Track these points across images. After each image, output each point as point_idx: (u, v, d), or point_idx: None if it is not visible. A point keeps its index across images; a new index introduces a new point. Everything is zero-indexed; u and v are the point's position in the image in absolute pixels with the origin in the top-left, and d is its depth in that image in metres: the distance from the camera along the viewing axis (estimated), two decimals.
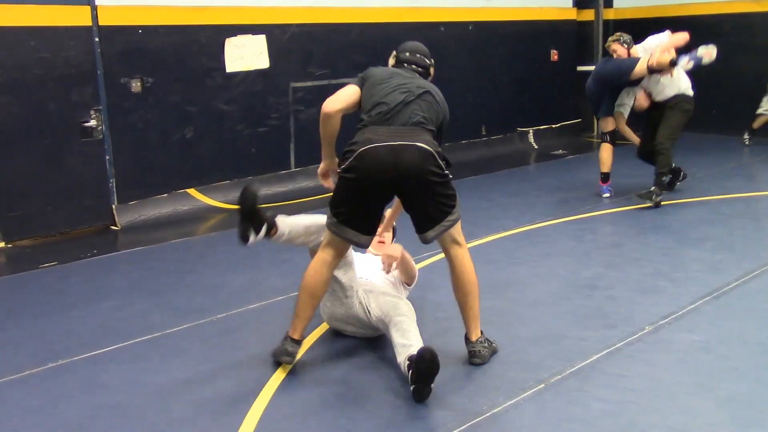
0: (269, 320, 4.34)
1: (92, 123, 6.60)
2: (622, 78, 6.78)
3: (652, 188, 6.69)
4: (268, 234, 3.72)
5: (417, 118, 3.45)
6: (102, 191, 6.76)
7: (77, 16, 6.46)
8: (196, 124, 7.32)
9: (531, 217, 6.54)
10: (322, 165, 3.81)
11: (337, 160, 3.69)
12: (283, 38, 7.83)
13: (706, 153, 9.43)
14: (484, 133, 10.13)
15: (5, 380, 3.67)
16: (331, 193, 3.61)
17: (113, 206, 6.83)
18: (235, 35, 7.46)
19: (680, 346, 3.81)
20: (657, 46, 6.70)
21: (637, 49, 6.92)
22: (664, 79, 6.77)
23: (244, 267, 5.44)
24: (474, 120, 9.92)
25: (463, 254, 3.60)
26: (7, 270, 5.70)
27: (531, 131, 10.63)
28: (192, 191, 7.34)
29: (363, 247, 3.68)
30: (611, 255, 5.41)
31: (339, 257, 3.63)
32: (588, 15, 11.59)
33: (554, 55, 10.90)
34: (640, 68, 6.52)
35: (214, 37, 7.35)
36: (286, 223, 3.80)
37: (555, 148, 10.28)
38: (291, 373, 3.63)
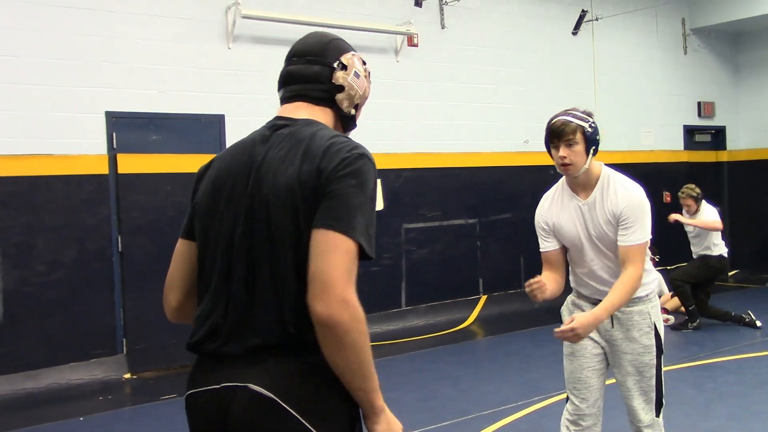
0: None
1: None
2: None
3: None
4: None
5: (263, 327, 1.78)
6: None
7: None
8: None
9: None
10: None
11: None
12: (397, 182, 8.19)
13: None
14: None
15: None
16: None
17: None
18: None
19: None
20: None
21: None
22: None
23: None
24: None
25: None
26: (130, 401, 6.00)
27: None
28: None
29: None
30: (734, 406, 5.13)
31: None
32: (699, 157, 11.51)
33: (667, 197, 10.79)
34: None
35: None
36: None
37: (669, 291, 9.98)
38: None
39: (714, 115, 11.47)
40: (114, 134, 6.60)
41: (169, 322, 7.12)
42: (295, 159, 1.79)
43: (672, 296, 8.20)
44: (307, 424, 1.72)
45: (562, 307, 3.44)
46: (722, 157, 11.80)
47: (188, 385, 1.90)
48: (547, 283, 3.02)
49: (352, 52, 2.00)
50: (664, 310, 7.95)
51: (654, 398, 3.23)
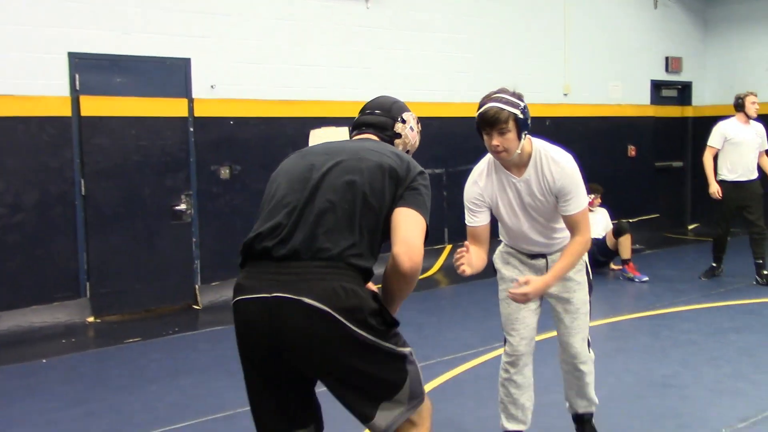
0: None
1: (182, 207, 6.99)
2: None
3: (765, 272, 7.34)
4: None
5: (318, 242, 2.22)
6: (187, 272, 7.08)
7: (175, 108, 6.95)
8: None
9: (606, 311, 6.47)
10: None
11: None
12: None
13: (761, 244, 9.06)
14: None
15: None
16: None
17: (196, 286, 7.12)
18: (320, 127, 7.83)
19: None
20: None
21: None
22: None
23: None
24: None
25: None
26: (94, 344, 6.00)
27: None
28: None
29: None
30: (688, 353, 5.30)
31: None
32: (665, 111, 11.61)
33: (632, 151, 10.92)
34: None
35: (300, 128, 7.74)
36: None
37: (632, 243, 10.14)
38: None
39: (681, 70, 11.54)
40: (77, 76, 6.45)
41: (133, 266, 7.07)
42: (386, 152, 2.41)
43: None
44: (357, 330, 2.17)
45: (494, 256, 3.61)
46: (687, 112, 11.92)
47: (236, 293, 2.28)
48: (472, 257, 3.07)
49: (410, 112, 2.69)
50: (630, 266, 7.95)
51: (587, 335, 3.55)
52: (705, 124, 11.71)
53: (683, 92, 11.85)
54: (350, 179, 2.29)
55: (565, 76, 9.99)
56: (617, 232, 7.92)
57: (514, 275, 3.45)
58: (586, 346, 3.54)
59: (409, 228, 2.26)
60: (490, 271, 3.55)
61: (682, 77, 11.62)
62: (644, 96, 11.15)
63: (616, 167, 10.63)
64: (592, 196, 8.05)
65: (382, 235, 2.33)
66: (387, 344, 2.26)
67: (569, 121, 10.02)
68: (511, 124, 3.06)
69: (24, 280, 6.24)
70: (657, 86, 11.35)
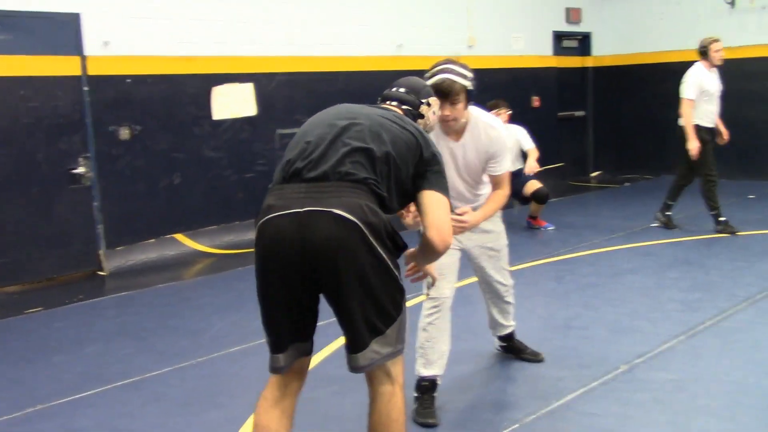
0: (249, 363, 4.40)
1: (80, 170, 6.72)
2: None
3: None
4: None
5: (345, 167, 2.42)
6: (89, 237, 6.84)
7: (67, 67, 6.62)
8: (183, 170, 7.44)
9: (512, 258, 6.61)
10: None
11: None
12: (269, 86, 8.00)
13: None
14: None
15: None
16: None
17: (100, 252, 6.90)
18: (223, 84, 7.63)
19: (654, 385, 3.87)
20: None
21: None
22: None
23: (228, 311, 5.50)
24: None
25: (391, 395, 2.54)
26: None
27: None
28: (179, 236, 7.43)
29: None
30: (589, 296, 5.51)
31: (286, 386, 2.59)
32: (567, 62, 11.86)
33: (535, 102, 11.13)
34: None
35: (202, 85, 7.52)
36: None
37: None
38: None
39: (581, 21, 11.78)
40: None
41: (31, 234, 6.79)
42: (409, 124, 2.62)
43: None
44: (376, 245, 2.37)
45: None
46: (588, 62, 12.21)
47: (266, 212, 2.43)
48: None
49: (435, 97, 2.95)
50: (536, 220, 8.11)
51: (508, 268, 4.05)
52: (605, 73, 12.13)
53: (583, 43, 12.13)
54: (377, 132, 2.50)
55: (469, 28, 10.04)
56: (536, 198, 7.84)
57: None
58: (508, 276, 4.04)
59: (438, 211, 2.55)
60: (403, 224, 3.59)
61: (581, 28, 11.87)
62: (546, 47, 11.35)
63: (521, 118, 10.74)
64: (497, 111, 7.47)
65: (396, 187, 2.52)
66: (395, 271, 2.46)
67: (475, 73, 10.04)
68: (462, 96, 3.35)
69: None
70: (558, 37, 11.56)
